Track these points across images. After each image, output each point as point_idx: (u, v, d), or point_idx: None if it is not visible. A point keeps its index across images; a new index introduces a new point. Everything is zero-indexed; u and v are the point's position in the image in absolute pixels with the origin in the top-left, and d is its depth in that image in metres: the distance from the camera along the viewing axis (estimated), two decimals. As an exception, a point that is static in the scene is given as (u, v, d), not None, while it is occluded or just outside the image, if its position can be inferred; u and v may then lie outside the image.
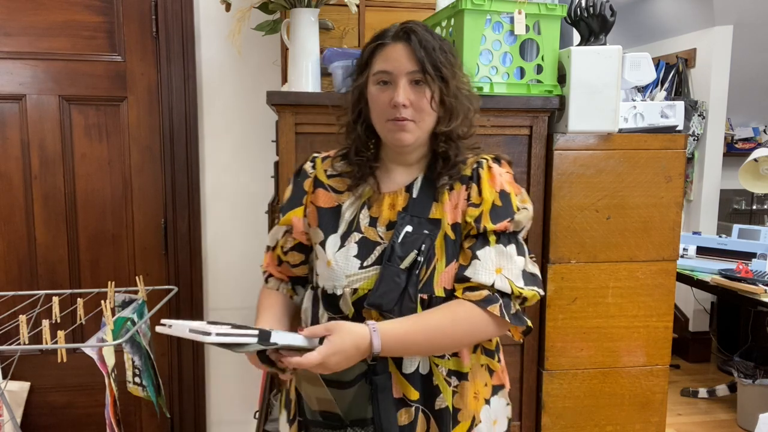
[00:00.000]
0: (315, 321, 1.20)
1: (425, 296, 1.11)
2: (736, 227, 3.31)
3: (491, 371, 1.22)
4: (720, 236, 3.32)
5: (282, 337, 0.99)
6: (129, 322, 1.83)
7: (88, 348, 1.75)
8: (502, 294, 1.10)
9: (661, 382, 1.81)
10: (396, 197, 1.17)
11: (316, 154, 1.29)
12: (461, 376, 1.17)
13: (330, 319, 1.16)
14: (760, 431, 2.11)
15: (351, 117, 1.20)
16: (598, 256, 1.73)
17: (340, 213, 1.20)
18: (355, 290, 1.13)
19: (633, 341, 1.78)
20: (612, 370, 1.78)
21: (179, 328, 0.88)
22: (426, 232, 1.12)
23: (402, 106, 1.10)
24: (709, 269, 3.02)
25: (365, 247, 1.15)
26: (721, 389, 3.37)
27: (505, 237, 1.13)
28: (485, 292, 1.09)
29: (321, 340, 1.02)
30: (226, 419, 2.46)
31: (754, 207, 4.37)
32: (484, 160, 1.18)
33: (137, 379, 1.91)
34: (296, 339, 1.02)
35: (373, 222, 1.17)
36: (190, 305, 2.35)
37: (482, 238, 1.12)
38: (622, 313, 1.76)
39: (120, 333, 1.77)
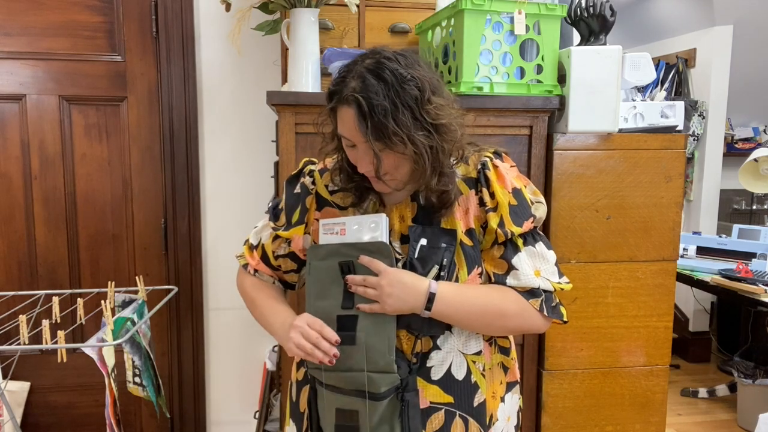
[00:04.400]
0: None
1: None
2: (736, 227, 3.31)
3: (506, 369, 1.22)
4: (720, 236, 3.31)
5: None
6: (129, 322, 1.83)
7: (88, 348, 1.74)
8: (545, 291, 1.13)
9: (661, 382, 1.81)
10: (404, 208, 1.13)
11: (312, 167, 1.22)
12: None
13: None
14: (760, 431, 2.11)
15: (332, 145, 1.14)
16: (598, 256, 1.73)
17: None
18: None
19: (633, 341, 1.78)
20: (612, 370, 1.78)
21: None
22: (443, 245, 1.09)
23: (367, 171, 1.06)
24: (709, 269, 3.02)
25: None
26: (721, 389, 3.37)
27: (530, 236, 1.14)
28: (529, 287, 1.12)
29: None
30: (226, 419, 2.46)
31: (754, 207, 4.36)
32: (488, 159, 1.13)
33: (137, 379, 1.91)
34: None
35: None
36: (190, 305, 2.35)
37: (511, 245, 1.12)
38: (622, 313, 1.76)
39: (120, 333, 1.77)
